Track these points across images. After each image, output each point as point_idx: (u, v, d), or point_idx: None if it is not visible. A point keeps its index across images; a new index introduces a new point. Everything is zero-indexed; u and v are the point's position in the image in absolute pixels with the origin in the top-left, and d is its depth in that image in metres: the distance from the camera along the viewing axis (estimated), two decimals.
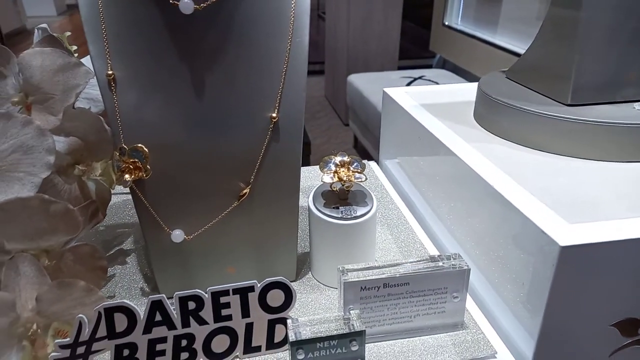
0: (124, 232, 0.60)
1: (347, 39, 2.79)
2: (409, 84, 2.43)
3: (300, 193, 0.48)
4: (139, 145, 0.42)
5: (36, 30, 0.51)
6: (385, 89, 0.74)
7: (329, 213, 0.47)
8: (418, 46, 3.58)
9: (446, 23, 2.70)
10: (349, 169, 0.47)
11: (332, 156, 0.48)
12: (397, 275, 0.41)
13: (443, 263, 0.42)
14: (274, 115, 0.43)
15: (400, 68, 2.96)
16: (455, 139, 0.55)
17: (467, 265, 0.41)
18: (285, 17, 0.43)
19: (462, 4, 2.63)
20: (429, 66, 2.99)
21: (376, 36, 2.85)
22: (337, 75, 2.99)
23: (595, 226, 0.38)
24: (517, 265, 0.42)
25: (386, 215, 0.62)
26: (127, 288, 0.50)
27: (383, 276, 0.41)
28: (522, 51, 1.74)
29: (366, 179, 0.47)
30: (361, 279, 0.41)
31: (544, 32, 0.55)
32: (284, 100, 0.44)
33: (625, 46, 0.50)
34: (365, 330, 0.39)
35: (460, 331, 0.44)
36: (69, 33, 0.52)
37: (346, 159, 0.48)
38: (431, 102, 0.68)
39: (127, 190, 0.65)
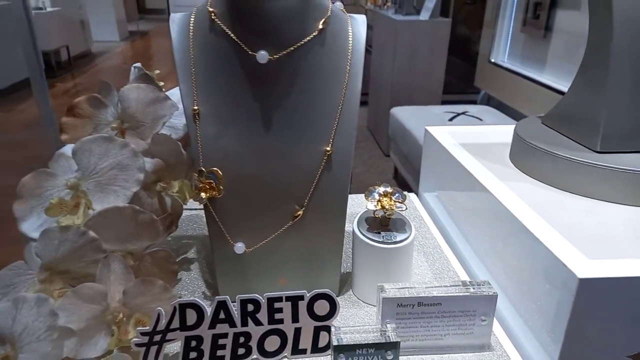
0: (188, 243, 0.68)
1: (392, 73, 2.87)
2: (451, 119, 2.47)
3: None
4: (215, 169, 0.49)
5: (132, 69, 0.61)
6: (428, 127, 0.80)
7: (371, 237, 0.53)
8: (463, 82, 3.62)
9: (492, 60, 2.74)
10: (391, 199, 0.53)
11: (377, 186, 0.55)
12: (431, 296, 0.46)
13: (473, 288, 0.47)
14: (328, 149, 0.51)
15: (444, 102, 3.00)
16: (490, 178, 0.60)
17: (495, 292, 0.46)
18: (343, 69, 0.51)
19: (509, 41, 2.67)
20: (473, 102, 3.03)
21: (421, 71, 2.92)
22: (380, 107, 3.07)
23: (613, 262, 0.43)
24: (541, 294, 0.47)
25: (423, 244, 0.67)
26: (192, 291, 0.58)
27: (418, 295, 0.46)
28: None
29: (406, 208, 0.53)
30: (398, 296, 0.46)
31: (577, 82, 0.60)
32: (337, 137, 0.51)
33: None
34: (399, 342, 0.44)
35: (487, 352, 0.48)
36: (158, 71, 0.61)
37: (389, 189, 0.54)
38: (470, 141, 0.73)
39: (193, 207, 0.74)
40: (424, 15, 2.84)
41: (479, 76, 2.89)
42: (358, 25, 0.54)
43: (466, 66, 3.66)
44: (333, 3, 0.53)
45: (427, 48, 2.85)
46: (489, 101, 2.93)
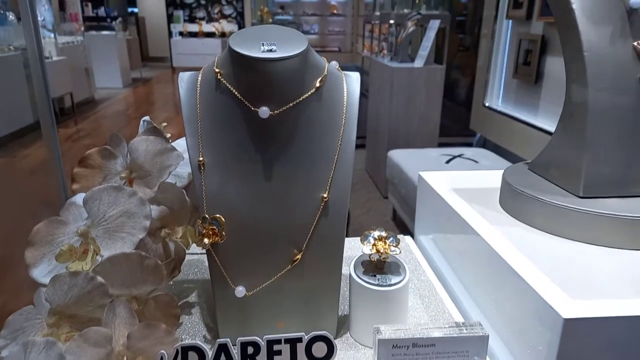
0: (189, 287, 0.70)
1: (389, 117, 2.95)
2: (448, 162, 2.52)
3: None
4: (218, 215, 0.52)
5: (141, 122, 0.65)
6: (421, 173, 0.83)
7: (367, 280, 0.55)
8: (459, 125, 3.70)
9: (487, 104, 2.83)
10: (385, 243, 0.56)
11: (372, 231, 0.57)
12: (425, 337, 0.48)
13: (466, 329, 0.49)
14: (325, 196, 0.54)
15: (440, 145, 3.07)
16: (480, 222, 0.63)
17: (486, 333, 0.48)
18: (338, 122, 0.55)
19: (502, 86, 2.77)
20: (469, 144, 3.09)
21: (417, 115, 3.00)
22: (378, 150, 3.13)
23: (597, 302, 0.45)
24: (531, 335, 0.48)
25: (418, 286, 0.69)
26: (193, 335, 0.59)
27: (413, 337, 0.48)
28: None
29: (400, 252, 0.55)
30: (393, 337, 0.48)
31: (558, 130, 0.64)
32: (333, 184, 0.54)
33: (632, 146, 0.58)
34: None
35: None
36: (165, 124, 0.66)
37: (383, 234, 0.57)
38: (462, 186, 0.76)
39: (195, 251, 0.76)
40: (419, 63, 2.95)
41: (474, 120, 2.97)
42: (352, 82, 0.58)
43: (461, 110, 3.77)
44: (329, 63, 0.57)
45: (422, 93, 2.95)
46: (484, 144, 3.00)
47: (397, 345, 0.48)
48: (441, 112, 3.06)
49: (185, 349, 0.47)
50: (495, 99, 2.81)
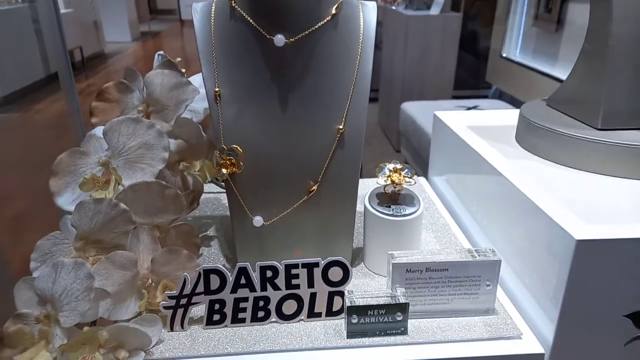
0: (207, 222, 0.71)
1: (403, 68, 2.88)
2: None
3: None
4: (235, 146, 0.53)
5: (156, 56, 0.65)
6: (436, 112, 0.83)
7: (382, 211, 0.56)
8: (473, 77, 3.62)
9: (504, 55, 2.74)
10: (400, 174, 0.56)
11: (387, 163, 0.58)
12: (438, 261, 0.49)
13: (478, 255, 0.50)
14: (341, 127, 0.54)
15: (454, 98, 3.01)
16: (497, 157, 0.63)
17: (499, 257, 0.49)
18: (354, 52, 0.54)
19: (521, 36, 2.68)
20: (484, 97, 3.03)
21: (432, 66, 2.93)
22: (391, 103, 3.09)
23: (609, 226, 0.45)
24: (543, 261, 0.49)
25: (432, 222, 0.70)
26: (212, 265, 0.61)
27: (426, 261, 0.49)
28: None
29: (415, 183, 0.56)
30: (407, 261, 0.49)
31: (578, 65, 0.63)
32: (349, 115, 0.54)
33: None
34: (408, 303, 0.48)
35: (491, 316, 0.51)
36: (179, 59, 0.65)
37: (398, 165, 0.57)
38: (478, 124, 0.76)
39: (212, 190, 0.78)
40: (435, 10, 2.85)
41: (490, 71, 2.89)
42: (368, 11, 0.57)
43: (477, 61, 3.67)
44: None
45: (438, 43, 2.86)
46: (500, 96, 2.93)
47: (410, 270, 0.49)
48: (458, 63, 2.98)
49: (207, 272, 0.49)
50: (514, 49, 2.72)
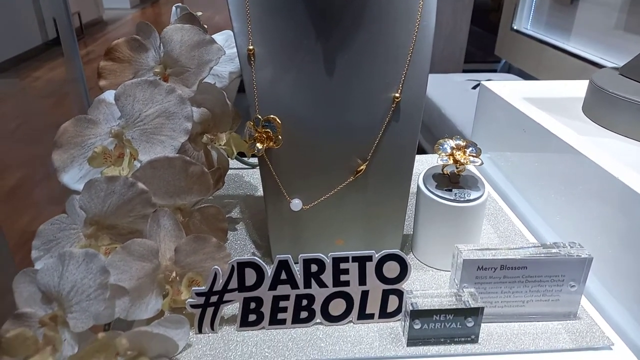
0: (231, 202, 0.64)
1: None
2: (474, 88, 2.38)
3: None
4: (272, 116, 0.44)
5: (174, 8, 0.55)
6: (484, 82, 0.74)
7: (441, 195, 0.48)
8: (482, 50, 3.49)
9: (515, 27, 2.62)
10: (465, 152, 0.48)
11: (447, 139, 0.49)
12: (517, 258, 0.41)
13: (562, 251, 0.42)
14: (397, 95, 0.45)
15: (464, 71, 2.89)
16: (569, 133, 0.55)
17: (589, 254, 0.41)
18: (414, 8, 0.45)
19: (533, 8, 2.55)
20: (493, 71, 2.91)
21: (443, 39, 2.80)
22: None
23: None
24: (633, 261, 0.42)
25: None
26: (240, 252, 0.54)
27: (501, 257, 0.41)
28: (596, 59, 1.65)
29: (482, 163, 0.48)
30: (480, 257, 0.41)
31: None
32: (407, 82, 0.45)
33: None
34: (483, 308, 0.40)
35: (573, 321, 0.43)
36: (200, 13, 0.56)
37: (462, 142, 0.49)
38: (534, 96, 0.67)
39: (234, 165, 0.70)
40: None
41: (500, 44, 2.77)
42: None
43: (486, 34, 3.53)
44: None
45: (450, 14, 2.73)
46: (509, 70, 2.82)
47: (483, 267, 0.42)
48: (468, 36, 2.86)
49: (242, 265, 0.41)
50: (525, 21, 2.59)
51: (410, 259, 0.53)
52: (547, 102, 0.65)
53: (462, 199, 0.47)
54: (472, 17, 2.98)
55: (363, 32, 0.44)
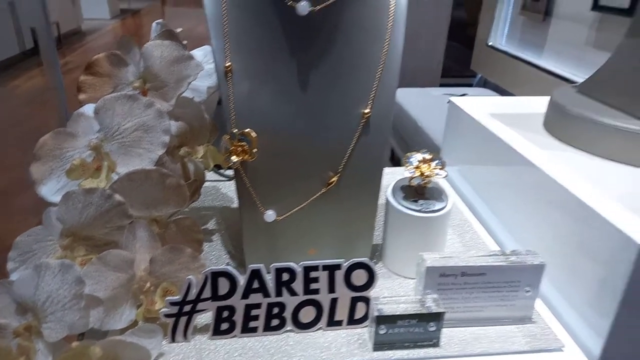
0: (207, 214, 0.65)
1: None
2: (449, 102, 2.44)
3: None
4: (248, 130, 0.46)
5: (154, 24, 0.57)
6: (452, 98, 0.77)
7: (408, 206, 0.50)
8: (460, 65, 3.57)
9: (490, 43, 2.70)
10: (430, 165, 0.51)
11: (414, 152, 0.52)
12: (476, 265, 0.44)
13: (518, 258, 0.45)
14: (367, 111, 0.48)
15: (441, 85, 2.96)
16: (528, 147, 0.58)
17: (542, 261, 0.44)
18: (384, 24, 0.47)
19: (507, 25, 2.63)
20: (469, 85, 2.99)
21: (420, 54, 2.87)
22: None
23: None
24: (585, 267, 0.45)
25: (451, 219, 0.64)
26: (216, 262, 0.55)
27: (462, 265, 0.44)
28: (568, 75, 1.72)
29: (446, 175, 0.50)
30: (442, 265, 0.44)
31: (622, 48, 0.58)
32: (377, 98, 0.48)
33: None
34: (444, 313, 0.42)
35: (529, 324, 0.46)
36: (180, 29, 0.58)
37: (427, 156, 0.52)
38: (499, 112, 0.70)
39: (211, 178, 0.71)
40: None
41: (476, 59, 2.85)
42: None
43: (462, 49, 3.62)
44: None
45: (428, 27, 2.81)
46: (484, 85, 2.90)
47: (445, 274, 0.44)
48: (445, 50, 2.94)
49: (216, 275, 0.43)
50: (500, 37, 2.68)
51: (379, 267, 0.55)
52: (511, 117, 0.68)
53: (427, 210, 0.50)
54: (449, 32, 3.07)
55: (336, 49, 0.47)
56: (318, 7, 0.44)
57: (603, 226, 0.42)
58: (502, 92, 2.57)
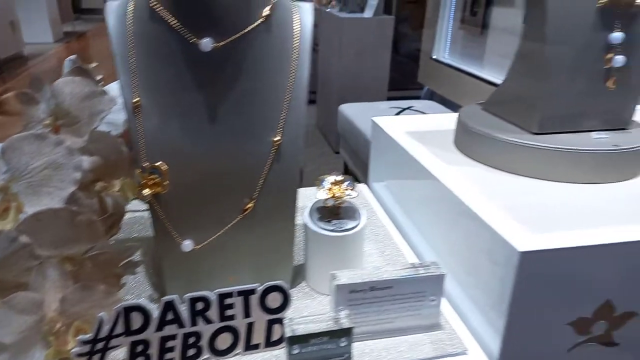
0: (132, 245, 0.65)
1: (340, 71, 2.90)
2: (397, 114, 2.52)
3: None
4: (159, 163, 0.47)
5: (66, 62, 0.57)
6: (374, 118, 0.81)
7: (323, 226, 0.53)
8: (406, 78, 3.71)
9: (434, 56, 2.83)
10: (340, 187, 0.53)
11: (327, 176, 0.54)
12: (382, 279, 0.47)
13: (422, 270, 0.48)
14: (277, 139, 0.50)
15: (389, 99, 3.07)
16: (434, 162, 0.62)
17: (442, 272, 0.47)
18: (289, 56, 0.50)
19: (449, 38, 2.77)
20: (417, 97, 3.11)
21: (367, 69, 2.96)
22: (329, 105, 3.09)
23: (551, 235, 0.45)
24: (485, 272, 0.48)
25: (374, 232, 0.68)
26: (138, 295, 0.55)
27: (370, 280, 0.46)
28: None
29: (357, 195, 0.53)
30: (351, 282, 0.46)
31: (514, 68, 0.63)
32: (286, 126, 0.50)
33: (586, 82, 0.58)
34: (353, 328, 0.44)
35: (436, 331, 0.49)
36: (96, 64, 0.58)
37: (339, 177, 0.54)
38: (416, 130, 0.75)
39: (136, 208, 0.71)
40: (368, 13, 2.88)
41: (422, 72, 2.97)
42: (305, 13, 0.54)
43: (409, 63, 3.76)
44: None
45: (372, 45, 2.90)
46: (432, 96, 3.02)
47: (354, 290, 0.46)
48: (391, 65, 3.04)
49: (128, 310, 0.43)
50: (442, 51, 2.81)
51: (303, 286, 0.57)
52: (426, 135, 0.72)
53: (340, 229, 0.52)
54: (397, 47, 3.18)
55: (243, 81, 0.49)
56: (221, 43, 0.46)
57: (492, 235, 0.46)
58: (448, 103, 2.69)
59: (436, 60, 2.78)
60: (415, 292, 0.47)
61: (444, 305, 0.52)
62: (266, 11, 0.48)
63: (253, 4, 0.48)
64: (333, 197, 0.53)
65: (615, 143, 0.56)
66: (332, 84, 3.01)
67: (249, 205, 0.50)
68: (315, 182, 0.54)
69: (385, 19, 2.90)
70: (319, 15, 3.34)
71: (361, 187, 0.83)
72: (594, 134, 0.58)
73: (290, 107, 0.50)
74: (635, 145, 0.56)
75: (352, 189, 0.53)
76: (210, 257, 0.52)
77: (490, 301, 0.48)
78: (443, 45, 2.80)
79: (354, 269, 0.49)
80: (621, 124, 0.60)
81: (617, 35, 0.55)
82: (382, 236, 0.67)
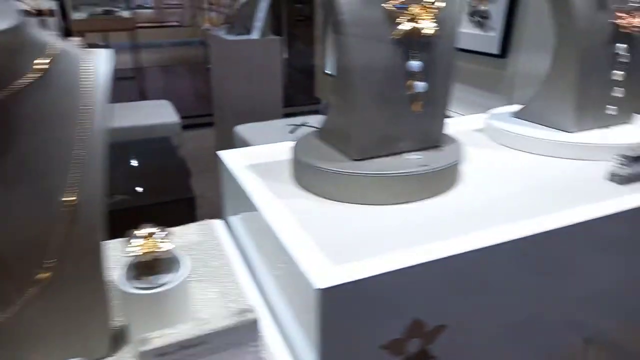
0: None
1: (233, 93, 2.87)
2: (291, 132, 2.54)
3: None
4: None
5: None
6: (219, 152, 0.79)
7: (137, 285, 0.49)
8: (305, 93, 3.77)
9: (327, 71, 2.90)
10: (154, 240, 0.50)
11: (139, 229, 0.51)
12: (194, 337, 0.44)
13: (236, 317, 0.46)
14: (68, 199, 0.46)
15: (287, 115, 3.09)
16: (265, 196, 0.61)
17: (254, 317, 0.46)
18: (76, 110, 0.47)
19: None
20: (316, 112, 3.17)
21: (260, 89, 2.97)
22: (226, 127, 3.04)
23: (352, 266, 0.46)
24: (299, 305, 0.48)
25: (218, 273, 0.65)
26: None
27: (178, 340, 0.44)
28: None
29: (174, 247, 0.51)
30: (155, 346, 0.43)
31: (331, 100, 0.65)
32: (81, 185, 0.46)
33: (393, 109, 0.60)
34: None
35: None
36: None
37: (153, 229, 0.51)
38: (262, 161, 0.74)
39: None
40: (255, 35, 2.89)
41: (318, 87, 3.04)
42: (100, 62, 0.50)
43: (306, 79, 3.84)
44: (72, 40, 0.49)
45: (261, 66, 2.91)
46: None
47: (162, 354, 0.44)
48: (287, 82, 3.08)
49: None
50: (333, 66, 2.89)
51: (125, 352, 0.53)
52: (271, 166, 0.72)
53: (152, 287, 0.49)
54: (293, 64, 3.22)
55: (26, 138, 0.45)
56: None
57: (296, 271, 0.46)
58: None
59: (330, 75, 2.86)
60: (232, 343, 0.46)
61: (278, 342, 0.51)
62: (42, 64, 0.45)
63: (22, 56, 0.44)
64: (147, 252, 0.50)
65: (425, 163, 0.59)
66: (227, 105, 2.97)
67: (45, 275, 0.46)
68: (127, 238, 0.51)
69: (273, 39, 2.93)
70: (209, 37, 3.30)
71: (216, 222, 0.81)
72: (407, 155, 0.61)
73: (83, 164, 0.47)
74: (442, 165, 0.59)
75: (167, 240, 0.51)
76: (17, 330, 0.46)
77: (306, 334, 0.48)
78: (333, 60, 2.89)
79: (169, 329, 0.46)
80: (433, 142, 0.64)
81: (414, 64, 0.58)
82: (227, 277, 0.65)
